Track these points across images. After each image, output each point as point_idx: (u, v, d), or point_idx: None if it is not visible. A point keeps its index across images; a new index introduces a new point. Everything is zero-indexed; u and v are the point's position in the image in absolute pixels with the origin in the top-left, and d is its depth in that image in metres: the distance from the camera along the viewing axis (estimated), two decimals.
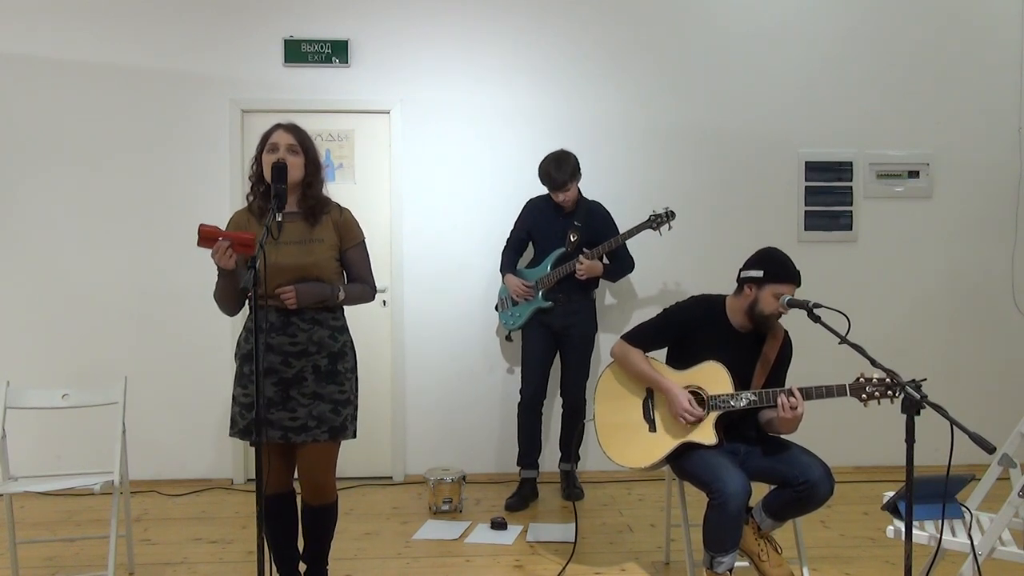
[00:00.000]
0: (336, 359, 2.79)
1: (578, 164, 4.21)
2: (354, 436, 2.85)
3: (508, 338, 4.59)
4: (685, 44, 4.90)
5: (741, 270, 2.94)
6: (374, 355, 4.77)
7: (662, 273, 4.87)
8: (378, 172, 4.84)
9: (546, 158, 4.20)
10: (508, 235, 4.45)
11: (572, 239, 4.20)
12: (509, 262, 4.41)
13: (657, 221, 4.19)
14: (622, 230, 4.25)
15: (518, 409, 4.35)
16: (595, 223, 4.26)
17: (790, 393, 2.75)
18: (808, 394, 2.75)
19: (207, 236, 2.44)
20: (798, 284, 2.88)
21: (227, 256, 2.51)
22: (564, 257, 4.21)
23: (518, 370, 4.57)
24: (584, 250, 4.16)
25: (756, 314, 2.89)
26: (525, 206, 4.41)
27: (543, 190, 4.34)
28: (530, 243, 4.44)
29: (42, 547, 3.69)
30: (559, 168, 4.13)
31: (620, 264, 4.34)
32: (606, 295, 4.87)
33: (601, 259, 4.22)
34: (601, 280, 4.38)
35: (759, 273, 2.86)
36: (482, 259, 4.76)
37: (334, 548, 3.03)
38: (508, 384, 4.78)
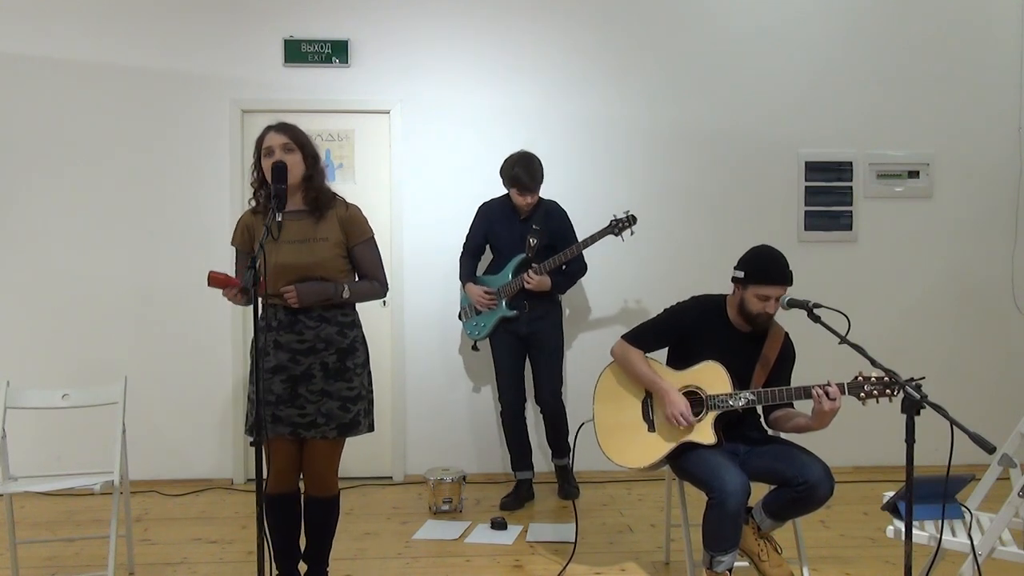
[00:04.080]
0: (345, 355, 2.81)
1: (543, 167, 4.13)
2: (371, 429, 2.91)
3: (475, 347, 4.47)
4: (685, 44, 4.90)
5: (733, 268, 2.96)
6: (374, 355, 4.68)
7: (662, 273, 4.87)
8: (378, 172, 4.84)
9: (513, 158, 4.11)
10: (464, 241, 4.37)
11: (532, 243, 4.12)
12: (468, 270, 4.31)
13: (619, 226, 4.10)
14: (591, 230, 4.17)
15: (501, 419, 4.31)
16: (554, 226, 4.18)
17: (827, 385, 2.71)
18: (807, 393, 2.76)
19: (217, 283, 2.51)
20: (785, 284, 2.86)
21: (237, 298, 2.62)
22: (525, 263, 4.13)
23: (485, 388, 4.54)
24: (533, 265, 4.08)
25: (745, 314, 2.92)
26: (479, 210, 4.31)
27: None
28: (487, 247, 4.36)
29: (42, 547, 3.69)
30: (529, 171, 4.04)
31: (570, 274, 4.24)
32: (604, 294, 4.87)
33: (561, 267, 4.13)
34: (560, 294, 4.31)
35: (741, 274, 2.90)
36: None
37: (334, 548, 3.03)
38: None
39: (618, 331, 3.22)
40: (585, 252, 4.19)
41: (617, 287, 4.85)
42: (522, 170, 4.05)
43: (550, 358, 4.23)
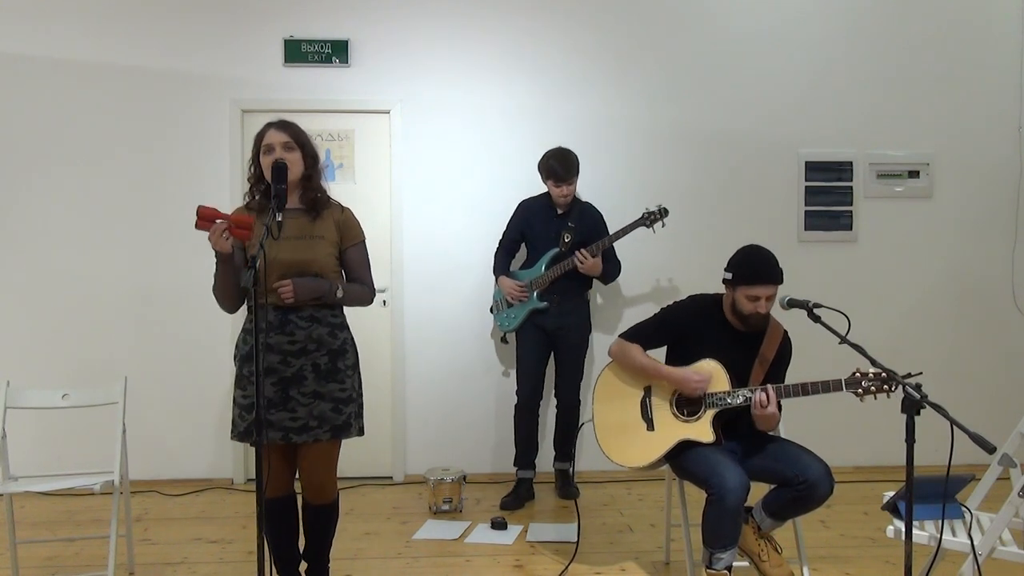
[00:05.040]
0: (336, 357, 2.77)
1: (579, 161, 4.25)
2: (361, 433, 2.85)
3: (504, 340, 4.58)
4: (685, 44, 4.90)
5: (724, 270, 2.96)
6: (374, 355, 4.77)
7: (662, 272, 4.87)
8: (378, 172, 4.84)
9: (549, 152, 4.24)
10: (500, 236, 4.46)
11: (566, 240, 4.21)
12: (502, 264, 4.42)
13: (651, 219, 4.22)
14: (615, 231, 4.27)
15: (515, 411, 4.36)
16: (588, 224, 4.27)
17: (763, 390, 2.78)
18: (805, 390, 2.76)
19: (205, 217, 2.42)
20: (774, 283, 2.86)
21: (223, 239, 2.48)
22: (558, 258, 4.21)
23: (514, 372, 4.56)
24: (586, 246, 4.16)
25: (737, 314, 2.92)
26: (518, 207, 4.42)
27: (541, 189, 4.34)
28: (522, 244, 4.44)
29: (42, 547, 3.69)
30: (564, 162, 4.17)
31: (610, 266, 4.34)
32: (603, 294, 4.87)
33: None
34: (595, 281, 4.41)
35: (729, 275, 2.91)
36: (482, 259, 4.75)
37: (334, 548, 3.02)
38: (508, 383, 4.77)
39: (617, 330, 3.22)
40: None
41: (617, 286, 4.85)
42: (557, 162, 4.17)
43: (575, 352, 4.31)
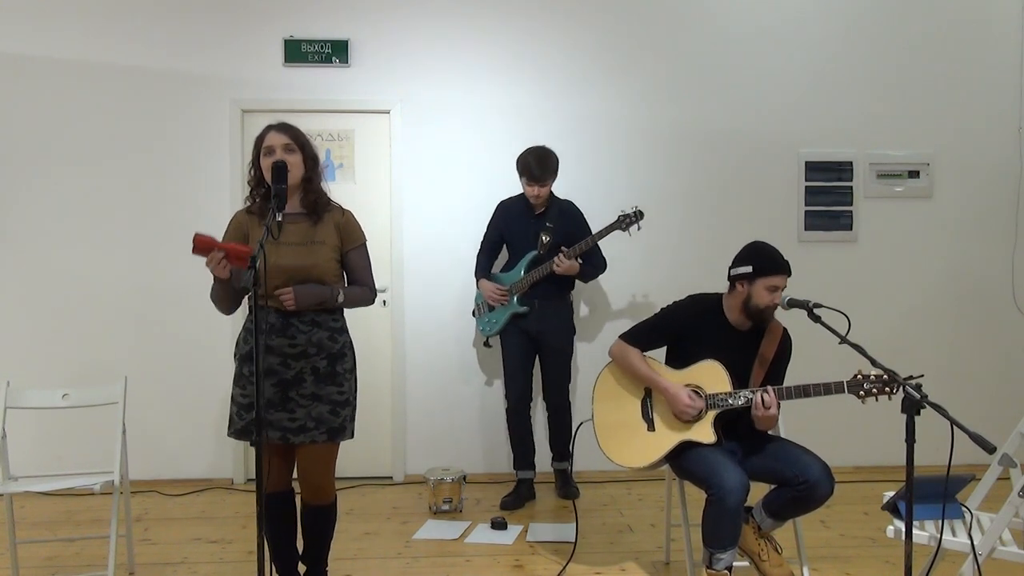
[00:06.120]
0: (335, 360, 2.78)
1: (558, 164, 4.18)
2: (352, 436, 2.85)
3: (487, 344, 4.50)
4: (685, 44, 4.90)
5: (730, 268, 2.96)
6: (374, 355, 4.77)
7: (662, 272, 4.87)
8: (378, 172, 4.84)
9: (528, 149, 4.17)
10: (481, 239, 4.42)
11: (544, 240, 4.17)
12: (483, 266, 4.38)
13: (626, 222, 4.14)
14: (596, 228, 4.21)
15: (506, 415, 4.35)
16: (567, 224, 4.22)
17: (766, 392, 2.79)
18: (807, 391, 2.76)
19: (202, 246, 2.38)
20: (789, 274, 2.89)
21: (221, 266, 2.46)
22: (537, 260, 4.18)
23: (498, 381, 4.56)
24: (563, 248, 4.11)
25: (751, 309, 2.90)
26: (497, 208, 4.38)
27: None
28: (503, 246, 4.41)
29: (42, 547, 3.69)
30: (541, 163, 4.10)
31: (593, 265, 4.27)
32: (605, 294, 4.88)
33: (576, 259, 4.18)
34: (584, 282, 4.38)
35: (748, 269, 2.88)
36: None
37: (334, 548, 3.03)
38: None
39: (617, 330, 3.22)
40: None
41: (617, 286, 4.85)
42: (533, 159, 4.11)
43: (559, 354, 4.27)
